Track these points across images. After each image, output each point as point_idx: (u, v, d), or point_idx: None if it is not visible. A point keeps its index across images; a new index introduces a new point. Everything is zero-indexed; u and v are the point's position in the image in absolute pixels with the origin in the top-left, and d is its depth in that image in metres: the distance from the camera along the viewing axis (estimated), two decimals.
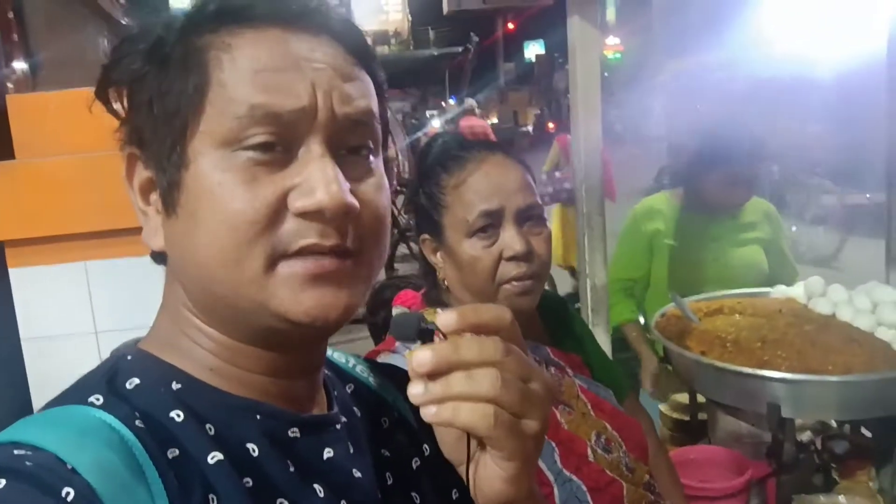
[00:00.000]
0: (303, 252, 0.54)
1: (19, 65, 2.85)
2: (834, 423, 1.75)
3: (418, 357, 0.50)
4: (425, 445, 0.70)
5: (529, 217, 1.12)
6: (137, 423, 0.52)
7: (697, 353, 1.52)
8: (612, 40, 23.62)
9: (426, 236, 1.16)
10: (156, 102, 0.55)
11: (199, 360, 0.58)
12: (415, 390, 0.51)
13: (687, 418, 1.81)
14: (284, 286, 0.54)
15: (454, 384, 0.50)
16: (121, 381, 0.56)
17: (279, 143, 0.54)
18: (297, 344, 0.59)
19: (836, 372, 1.36)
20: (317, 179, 0.53)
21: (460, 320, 0.51)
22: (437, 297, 1.19)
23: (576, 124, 1.82)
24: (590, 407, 1.18)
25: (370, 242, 0.58)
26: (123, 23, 1.92)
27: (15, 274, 1.72)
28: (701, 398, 1.75)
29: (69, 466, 0.47)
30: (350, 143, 0.57)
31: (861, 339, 1.47)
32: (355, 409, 0.67)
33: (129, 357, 0.59)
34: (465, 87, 5.04)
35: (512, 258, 1.09)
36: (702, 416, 1.77)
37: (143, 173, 0.58)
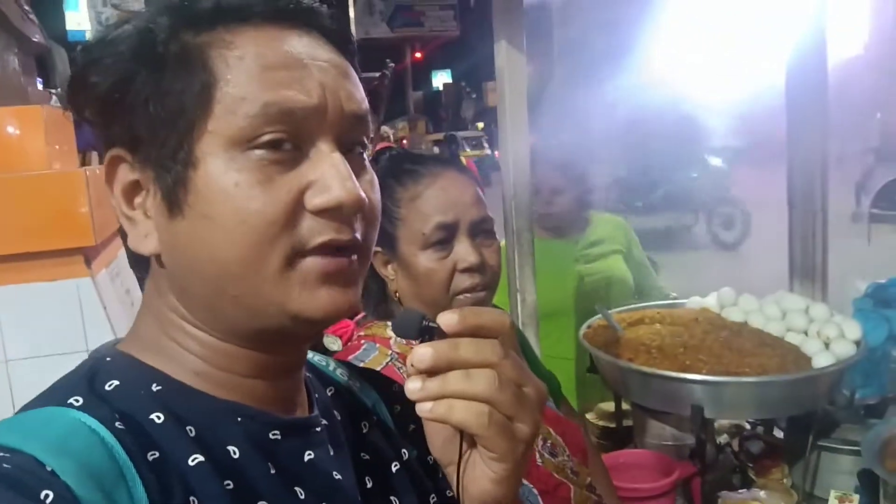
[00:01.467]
0: (320, 249, 0.55)
1: None
2: (748, 426, 1.87)
3: (419, 353, 0.52)
4: (404, 450, 0.71)
5: (482, 230, 1.15)
6: (117, 424, 0.52)
7: (625, 360, 1.59)
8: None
9: (378, 249, 1.18)
10: (153, 102, 0.54)
11: (183, 363, 0.58)
12: (412, 385, 0.53)
13: (613, 426, 1.88)
14: (301, 285, 0.54)
15: (451, 382, 0.52)
16: (100, 383, 0.55)
17: (291, 140, 0.54)
18: (292, 342, 0.59)
19: (751, 373, 1.46)
20: (332, 176, 0.54)
21: (461, 321, 0.53)
22: (387, 310, 1.20)
23: (504, 144, 1.89)
24: None
25: (371, 237, 0.60)
26: (35, 40, 1.85)
27: None
28: (626, 405, 1.83)
29: (48, 469, 0.47)
30: (352, 140, 0.58)
31: (772, 343, 1.58)
32: (335, 412, 0.67)
33: (108, 358, 0.58)
34: (382, 113, 5.08)
35: (466, 270, 1.12)
36: (627, 423, 1.85)
37: (127, 176, 0.57)
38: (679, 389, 1.52)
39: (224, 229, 0.53)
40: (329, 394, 0.69)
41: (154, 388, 0.56)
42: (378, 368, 1.07)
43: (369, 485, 0.65)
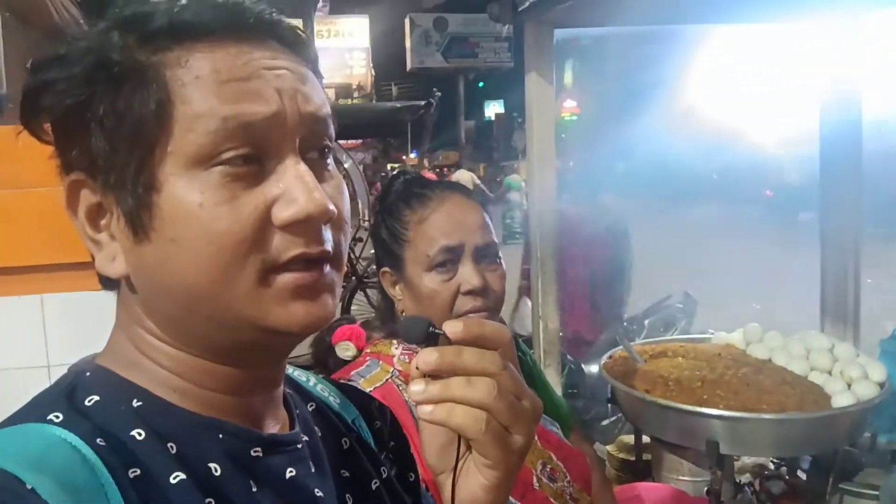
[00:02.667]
0: (291, 263, 0.54)
1: None
2: (772, 466, 1.83)
3: (424, 356, 0.55)
4: (383, 468, 0.71)
5: (486, 255, 1.18)
6: (98, 441, 0.51)
7: (642, 391, 1.59)
8: (569, 103, 24.31)
9: (386, 269, 1.22)
10: (109, 125, 0.53)
11: (160, 380, 0.57)
12: (416, 388, 0.56)
13: (633, 458, 1.87)
14: (276, 300, 0.54)
15: (453, 387, 0.55)
16: (80, 398, 0.54)
17: (253, 154, 0.53)
18: (269, 357, 0.59)
19: (769, 411, 1.45)
20: (298, 189, 0.53)
21: (466, 329, 0.57)
22: (394, 329, 1.23)
23: (531, 174, 1.92)
24: (536, 438, 1.23)
25: (343, 243, 0.59)
26: None
27: None
28: (646, 438, 1.82)
29: (29, 487, 0.46)
30: (315, 146, 0.57)
31: (794, 381, 1.56)
32: (316, 428, 0.67)
33: (87, 374, 0.57)
34: (427, 142, 5.16)
35: (469, 292, 1.14)
36: (647, 456, 1.83)
37: (89, 199, 0.55)
38: (695, 423, 1.50)
39: (192, 252, 0.52)
40: (310, 409, 0.69)
41: (134, 403, 0.55)
42: (378, 385, 1.10)
43: (350, 502, 0.64)
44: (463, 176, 10.52)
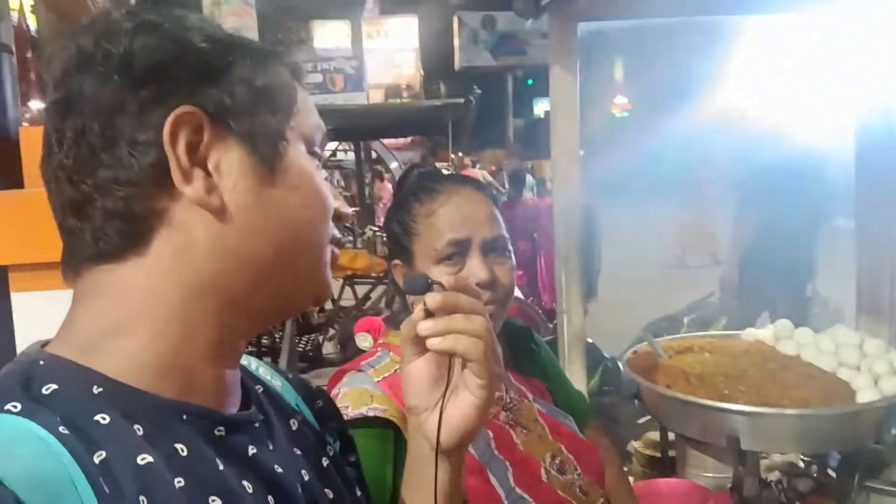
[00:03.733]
0: (333, 240, 0.67)
1: (36, 104, 2.99)
2: (801, 464, 1.79)
3: (433, 297, 0.69)
4: (329, 447, 0.75)
5: (494, 248, 1.19)
6: (61, 429, 0.51)
7: (663, 386, 1.58)
8: (620, 99, 23.99)
9: (397, 262, 1.24)
10: (258, 82, 0.62)
11: (125, 363, 0.57)
12: (424, 324, 0.69)
13: (658, 454, 1.86)
14: (327, 265, 0.67)
15: (456, 321, 0.69)
16: (36, 387, 0.54)
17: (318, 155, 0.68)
18: (280, 320, 0.69)
19: (792, 406, 1.42)
20: (337, 195, 0.69)
21: (456, 281, 0.72)
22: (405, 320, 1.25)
23: (556, 170, 1.92)
24: (547, 430, 1.24)
25: None
26: None
27: (17, 298, 1.79)
28: (671, 435, 1.80)
29: None
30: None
31: (819, 376, 1.53)
32: (268, 408, 0.69)
33: (41, 362, 0.57)
34: (467, 140, 5.16)
35: (476, 285, 1.15)
36: (672, 452, 1.82)
37: (195, 134, 0.58)
38: (715, 419, 1.48)
39: (307, 200, 0.64)
40: (259, 391, 0.71)
41: (95, 390, 0.55)
42: (386, 375, 1.12)
43: (306, 478, 0.67)
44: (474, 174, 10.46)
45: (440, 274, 1.16)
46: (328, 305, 6.39)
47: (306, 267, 0.65)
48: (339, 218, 0.68)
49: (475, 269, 1.16)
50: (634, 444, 1.95)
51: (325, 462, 0.72)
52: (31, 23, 3.13)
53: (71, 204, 0.58)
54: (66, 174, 0.58)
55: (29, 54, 3.03)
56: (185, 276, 0.59)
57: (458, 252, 1.17)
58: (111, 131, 0.57)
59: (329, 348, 5.97)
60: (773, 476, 1.74)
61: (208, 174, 0.59)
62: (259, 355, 4.06)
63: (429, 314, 0.70)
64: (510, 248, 1.23)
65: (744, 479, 1.50)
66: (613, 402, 2.78)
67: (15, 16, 2.80)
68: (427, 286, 0.70)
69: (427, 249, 1.17)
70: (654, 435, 1.92)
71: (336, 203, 0.68)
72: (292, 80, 0.66)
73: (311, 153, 0.66)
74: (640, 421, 2.87)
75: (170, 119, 0.57)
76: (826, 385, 1.49)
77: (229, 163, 0.60)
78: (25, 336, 1.79)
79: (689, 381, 1.57)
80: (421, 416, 0.72)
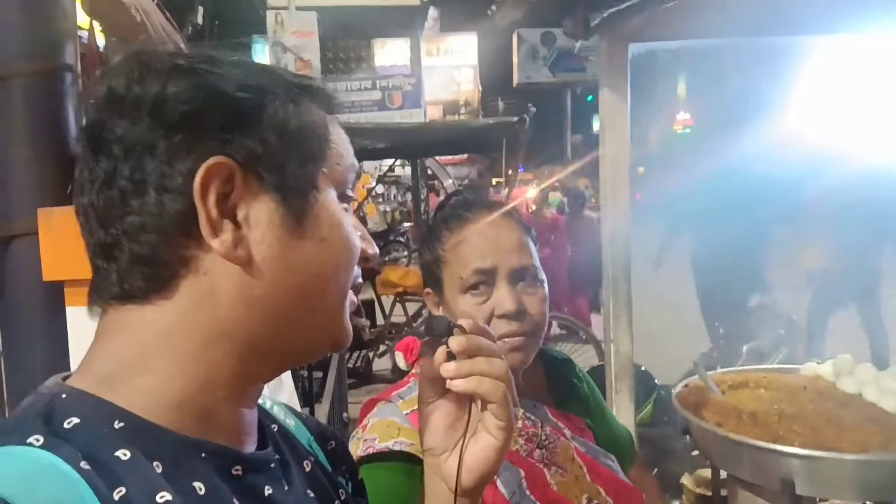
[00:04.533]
0: (352, 286, 0.67)
1: None
2: None
3: (457, 340, 0.71)
4: (341, 489, 0.75)
5: (523, 277, 1.16)
6: (83, 464, 0.51)
7: (714, 424, 1.51)
8: (682, 115, 23.60)
9: (429, 290, 1.22)
10: (290, 125, 0.61)
11: (145, 399, 0.58)
12: (449, 366, 0.71)
13: (709, 493, 1.77)
14: (347, 312, 0.67)
15: (479, 364, 0.71)
16: (58, 421, 0.55)
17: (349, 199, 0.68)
18: (300, 363, 0.68)
19: (850, 450, 1.34)
20: (366, 235, 0.69)
21: (475, 324, 0.73)
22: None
23: (604, 192, 1.87)
24: (585, 470, 1.19)
25: None
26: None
27: (72, 313, 1.83)
28: (724, 473, 1.72)
29: None
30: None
31: (881, 418, 1.44)
32: (283, 448, 0.70)
33: (63, 395, 0.57)
34: (521, 157, 5.14)
35: (503, 316, 1.12)
36: (724, 491, 1.73)
37: (224, 186, 0.58)
38: (768, 460, 1.41)
39: (333, 250, 0.63)
40: (275, 430, 0.72)
41: (116, 424, 0.56)
42: (416, 408, 1.10)
43: None
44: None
45: (466, 304, 1.14)
46: (379, 321, 6.43)
47: (328, 314, 0.65)
48: (365, 260, 0.68)
49: (502, 299, 1.13)
50: (684, 481, 1.87)
51: None
52: (101, 40, 3.24)
53: (100, 245, 0.60)
54: (96, 216, 0.59)
55: (98, 72, 3.14)
56: (206, 321, 0.59)
57: (484, 281, 1.14)
58: (140, 175, 0.57)
59: (379, 365, 5.98)
60: None
61: (237, 225, 0.59)
62: (309, 369, 4.09)
63: (450, 356, 0.71)
64: (542, 276, 1.19)
65: None
66: (666, 433, 2.69)
67: (85, 33, 2.90)
68: (449, 329, 0.72)
69: (454, 279, 1.15)
70: (706, 472, 1.84)
71: (363, 245, 0.67)
72: (325, 120, 0.65)
73: (342, 196, 0.65)
74: (695, 453, 2.78)
75: (201, 171, 0.57)
76: (887, 427, 1.40)
77: (257, 214, 0.59)
78: (80, 351, 1.83)
79: (742, 419, 1.50)
80: (440, 458, 0.73)
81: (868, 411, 1.47)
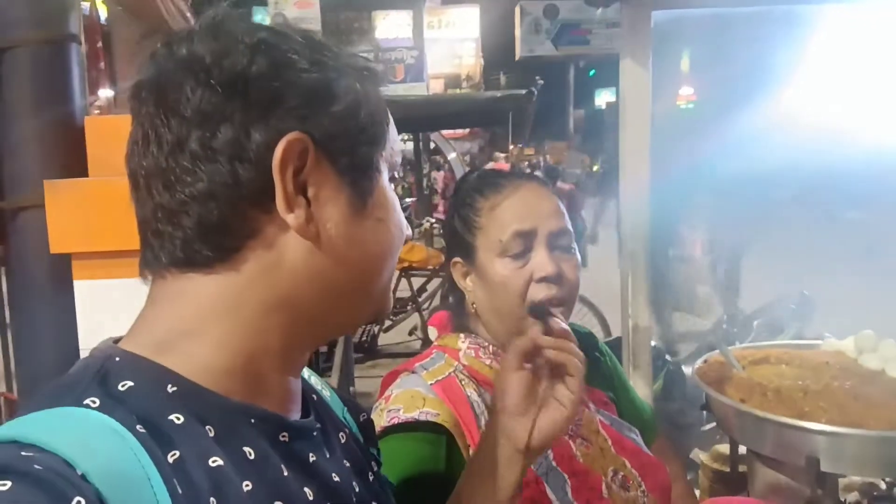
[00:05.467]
0: None
1: (104, 92, 3.04)
2: (884, 486, 1.67)
3: (557, 321, 0.85)
4: (373, 462, 0.79)
5: (560, 244, 1.14)
6: (138, 427, 0.51)
7: (737, 400, 1.49)
8: (685, 90, 23.36)
9: (458, 260, 1.19)
10: (370, 108, 0.64)
11: (197, 363, 0.58)
12: (549, 339, 0.81)
13: (727, 469, 1.76)
14: (390, 289, 0.71)
15: (568, 343, 0.83)
16: (113, 384, 0.55)
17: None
18: (346, 332, 0.69)
19: (877, 427, 1.32)
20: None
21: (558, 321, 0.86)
22: (463, 323, 1.20)
23: (623, 164, 1.83)
24: (610, 443, 1.17)
25: None
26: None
27: (79, 286, 1.81)
28: (742, 449, 1.70)
29: (79, 472, 0.46)
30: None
31: None
32: (323, 417, 0.71)
33: (117, 358, 0.57)
34: (528, 132, 5.07)
35: (542, 279, 1.10)
36: (742, 468, 1.72)
37: (298, 161, 0.59)
38: (793, 437, 1.39)
39: (389, 231, 0.66)
40: (314, 399, 0.74)
41: (169, 388, 0.56)
42: (440, 378, 1.09)
43: (357, 489, 0.68)
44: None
45: (505, 268, 1.12)
46: None
47: (378, 290, 0.68)
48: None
49: (541, 262, 1.11)
50: (702, 457, 1.86)
51: (370, 476, 0.74)
52: (103, 12, 3.18)
53: (164, 209, 0.59)
54: (162, 179, 0.58)
55: (99, 44, 3.09)
56: (266, 292, 0.60)
57: (523, 244, 1.12)
58: (215, 142, 0.57)
59: (384, 339, 5.98)
60: (851, 497, 1.63)
61: (308, 202, 0.60)
62: None
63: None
64: (575, 244, 1.17)
65: (821, 501, 1.41)
66: (676, 408, 2.68)
67: (86, 5, 2.84)
68: (549, 312, 0.88)
69: (491, 243, 1.13)
70: (724, 448, 1.82)
71: (408, 232, 0.71)
72: (385, 103, 0.67)
73: (391, 178, 0.68)
74: (705, 428, 2.77)
75: (282, 144, 0.57)
76: None
77: (327, 193, 0.61)
78: (88, 324, 1.81)
79: (766, 395, 1.48)
80: (513, 419, 0.79)
81: (893, 388, 1.45)
